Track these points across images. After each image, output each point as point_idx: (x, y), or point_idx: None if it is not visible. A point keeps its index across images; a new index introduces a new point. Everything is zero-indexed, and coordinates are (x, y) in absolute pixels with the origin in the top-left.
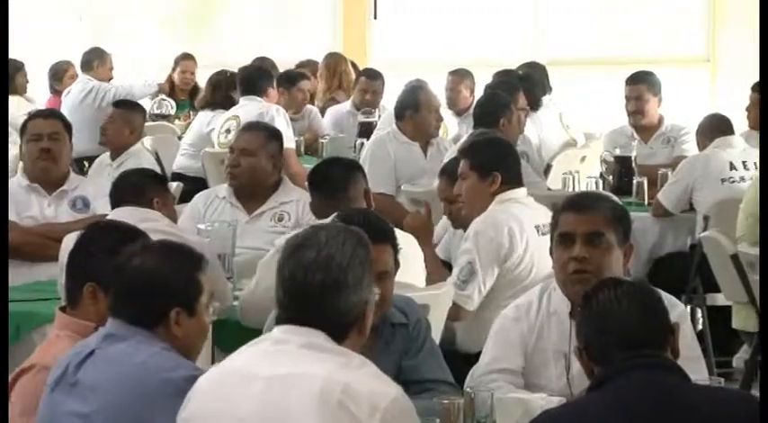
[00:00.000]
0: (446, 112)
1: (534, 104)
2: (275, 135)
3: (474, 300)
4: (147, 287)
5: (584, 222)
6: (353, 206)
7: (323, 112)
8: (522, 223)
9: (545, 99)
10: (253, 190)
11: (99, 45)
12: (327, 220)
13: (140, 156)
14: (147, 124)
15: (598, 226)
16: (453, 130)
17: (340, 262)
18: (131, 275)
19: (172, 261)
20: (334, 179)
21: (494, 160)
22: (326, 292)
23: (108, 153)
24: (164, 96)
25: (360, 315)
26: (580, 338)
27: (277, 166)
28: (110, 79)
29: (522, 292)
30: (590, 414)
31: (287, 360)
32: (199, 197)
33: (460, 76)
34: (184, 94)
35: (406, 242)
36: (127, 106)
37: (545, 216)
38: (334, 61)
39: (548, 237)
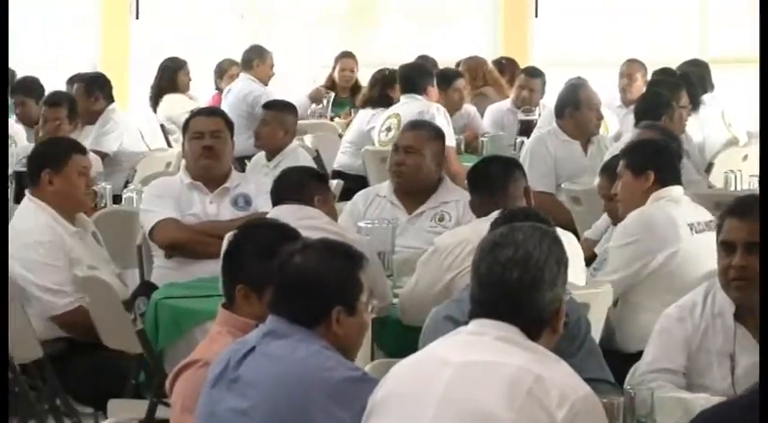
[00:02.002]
0: (606, 110)
1: (695, 104)
2: (439, 134)
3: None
4: (308, 286)
5: (746, 231)
6: (513, 204)
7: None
8: (675, 222)
9: (707, 97)
10: (415, 189)
11: (260, 43)
12: (488, 218)
13: (296, 155)
14: (307, 122)
15: (759, 235)
16: (614, 128)
17: (537, 260)
18: (292, 273)
19: (333, 260)
20: (493, 177)
21: (648, 159)
22: (524, 289)
23: (263, 153)
24: (320, 87)
25: (554, 313)
26: None
27: (440, 164)
28: (270, 77)
29: (677, 291)
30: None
31: (481, 349)
32: (359, 195)
33: (638, 64)
34: (345, 92)
35: (566, 240)
36: (278, 107)
37: (700, 214)
38: (475, 64)
39: (702, 235)
